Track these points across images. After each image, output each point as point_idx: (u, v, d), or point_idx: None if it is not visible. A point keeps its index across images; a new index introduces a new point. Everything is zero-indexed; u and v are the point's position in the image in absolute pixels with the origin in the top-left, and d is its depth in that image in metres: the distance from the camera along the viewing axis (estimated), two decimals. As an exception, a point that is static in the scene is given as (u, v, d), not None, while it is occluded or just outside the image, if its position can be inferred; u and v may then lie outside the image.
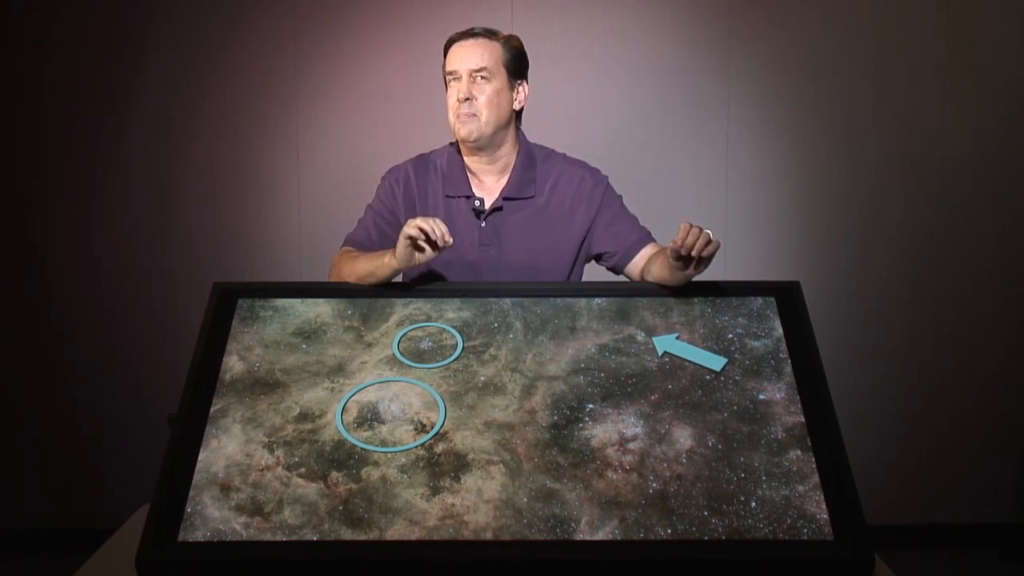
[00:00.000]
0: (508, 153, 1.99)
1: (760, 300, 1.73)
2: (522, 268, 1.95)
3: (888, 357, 3.24)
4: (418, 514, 1.41)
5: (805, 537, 1.39)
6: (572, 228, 1.98)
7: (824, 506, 1.42)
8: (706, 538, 1.38)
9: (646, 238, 1.98)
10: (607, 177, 2.04)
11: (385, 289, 1.79)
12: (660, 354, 1.65)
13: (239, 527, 1.40)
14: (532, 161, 2.00)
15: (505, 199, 1.96)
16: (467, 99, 1.89)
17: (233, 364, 1.64)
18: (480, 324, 1.71)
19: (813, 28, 3.17)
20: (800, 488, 1.45)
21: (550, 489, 1.45)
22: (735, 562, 1.37)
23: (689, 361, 1.64)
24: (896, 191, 3.21)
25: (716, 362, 1.63)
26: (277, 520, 1.41)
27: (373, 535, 1.38)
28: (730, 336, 1.68)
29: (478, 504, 1.42)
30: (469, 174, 1.99)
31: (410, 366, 1.64)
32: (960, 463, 3.26)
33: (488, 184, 1.99)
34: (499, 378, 1.62)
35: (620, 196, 2.04)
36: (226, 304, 1.74)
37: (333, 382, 1.61)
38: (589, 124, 3.17)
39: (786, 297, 1.73)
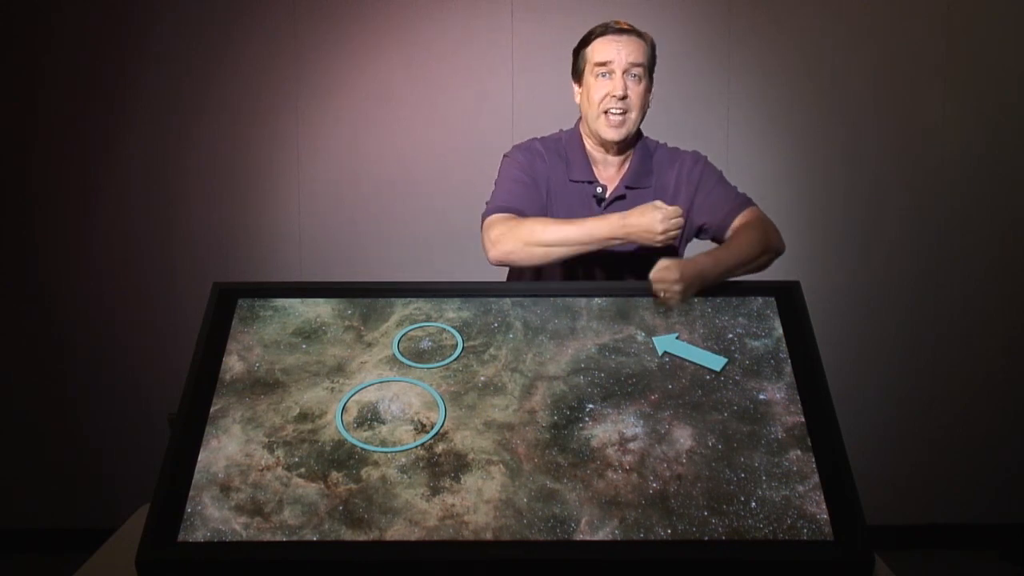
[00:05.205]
0: (631, 144, 2.04)
1: (760, 300, 1.74)
2: (638, 252, 1.97)
3: (888, 357, 3.24)
4: (418, 514, 1.41)
5: (805, 537, 1.39)
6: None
7: (824, 506, 1.42)
8: (706, 538, 1.38)
9: (739, 207, 1.98)
10: (706, 156, 2.07)
11: (385, 289, 1.79)
12: (660, 354, 1.65)
13: (239, 527, 1.40)
14: (648, 151, 2.05)
15: (627, 188, 2.01)
16: (624, 97, 1.94)
17: (233, 364, 1.64)
18: (480, 324, 1.71)
19: (813, 28, 3.17)
20: (800, 488, 1.45)
21: (550, 489, 1.44)
22: (735, 562, 1.37)
23: (689, 361, 1.64)
24: (896, 191, 3.21)
25: (716, 362, 1.63)
26: (277, 520, 1.41)
27: (373, 535, 1.38)
28: (730, 336, 1.68)
29: (478, 504, 1.42)
30: (591, 161, 2.04)
31: (410, 366, 1.64)
32: (960, 463, 3.26)
33: (607, 172, 2.04)
34: (499, 378, 1.61)
35: (720, 171, 2.07)
36: (226, 304, 1.74)
37: (333, 382, 1.61)
38: (589, 124, 3.17)
39: (786, 297, 1.73)
